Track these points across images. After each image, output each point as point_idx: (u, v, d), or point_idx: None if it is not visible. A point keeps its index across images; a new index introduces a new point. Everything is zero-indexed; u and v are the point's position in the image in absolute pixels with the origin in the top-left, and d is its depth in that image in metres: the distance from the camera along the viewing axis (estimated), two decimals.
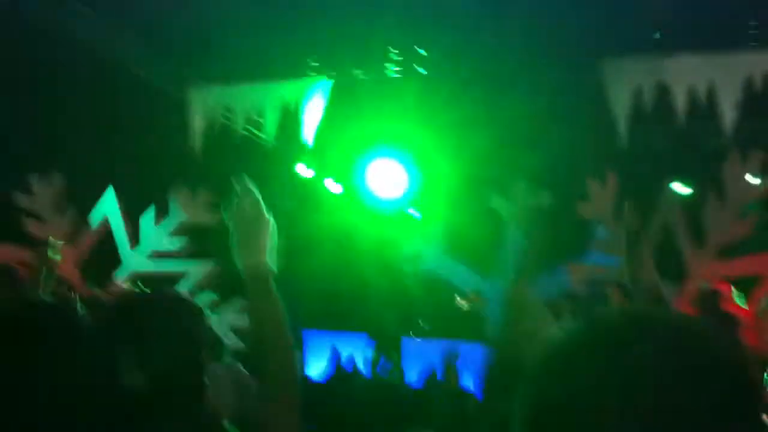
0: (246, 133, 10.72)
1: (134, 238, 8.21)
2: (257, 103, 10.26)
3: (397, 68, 10.02)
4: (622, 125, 8.51)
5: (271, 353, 2.01)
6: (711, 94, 8.14)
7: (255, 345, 2.08)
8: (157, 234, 8.00)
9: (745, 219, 6.09)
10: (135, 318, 2.08)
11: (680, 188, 10.46)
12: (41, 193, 8.30)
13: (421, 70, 9.86)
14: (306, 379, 8.57)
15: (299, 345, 9.75)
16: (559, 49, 8.61)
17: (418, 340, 9.31)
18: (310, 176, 13.52)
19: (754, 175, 7.13)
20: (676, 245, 6.05)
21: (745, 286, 5.44)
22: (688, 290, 5.19)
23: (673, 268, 5.64)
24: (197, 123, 10.29)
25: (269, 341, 2.02)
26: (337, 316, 10.84)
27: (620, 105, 8.51)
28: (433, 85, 9.89)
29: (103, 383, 1.98)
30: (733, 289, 5.17)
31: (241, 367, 5.23)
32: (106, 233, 8.22)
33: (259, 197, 2.18)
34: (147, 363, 1.97)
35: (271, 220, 2.19)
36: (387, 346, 8.31)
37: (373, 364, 8.10)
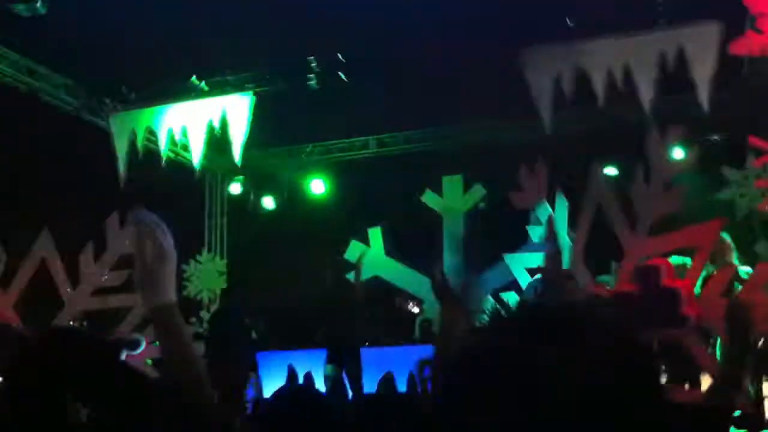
0: (171, 154, 10.56)
1: (74, 275, 8.00)
2: (180, 122, 10.10)
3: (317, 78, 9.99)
4: (545, 112, 8.65)
5: (183, 387, 1.98)
6: (627, 75, 8.35)
7: (166, 379, 2.05)
8: (97, 270, 7.79)
9: (672, 192, 6.26)
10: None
11: (608, 169, 10.72)
12: None
13: (342, 76, 9.86)
14: (262, 401, 8.47)
15: (254, 368, 9.62)
16: (480, 39, 8.71)
17: (373, 348, 9.29)
18: (240, 192, 13.40)
19: (677, 147, 7.36)
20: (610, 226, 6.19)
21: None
22: (626, 269, 5.31)
23: (611, 248, 5.77)
24: (120, 149, 10.09)
25: (179, 375, 2.00)
26: (290, 333, 10.73)
27: (542, 91, 8.65)
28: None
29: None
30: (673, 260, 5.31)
31: None
32: (41, 274, 7.97)
33: (163, 228, 2.08)
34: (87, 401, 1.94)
35: (172, 254, 2.10)
36: (343, 359, 8.25)
37: (332, 378, 8.04)
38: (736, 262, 6.30)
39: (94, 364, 2.07)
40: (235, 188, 13.19)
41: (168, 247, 2.03)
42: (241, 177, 12.96)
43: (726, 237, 6.37)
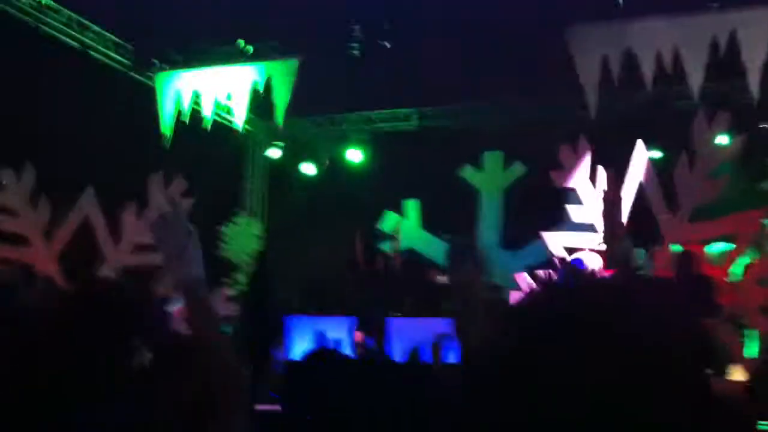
0: (216, 117, 10.65)
1: (116, 232, 8.16)
2: (225, 86, 10.17)
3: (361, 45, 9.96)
4: (591, 93, 8.55)
5: (210, 356, 2.06)
6: (677, 58, 8.21)
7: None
8: (138, 227, 7.94)
9: (715, 180, 6.17)
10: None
11: (652, 153, 10.59)
12: (11, 188, 8.20)
13: (385, 44, 9.82)
14: (291, 363, 8.59)
15: (281, 330, 9.73)
16: (524, 19, 8.62)
17: (402, 319, 9.34)
18: (280, 157, 13.48)
19: (722, 135, 7.23)
20: (650, 209, 6.14)
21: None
22: (663, 254, 5.28)
23: (648, 232, 5.73)
24: (165, 109, 10.20)
25: (207, 341, 2.08)
26: (319, 300, 10.83)
27: (588, 73, 8.55)
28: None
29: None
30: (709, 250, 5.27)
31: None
32: (85, 229, 8.15)
33: (180, 209, 2.18)
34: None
35: (194, 231, 2.18)
36: (371, 327, 8.34)
37: (357, 345, 8.15)
38: None
39: (154, 313, 2.17)
40: (275, 153, 13.24)
41: (188, 226, 2.12)
42: (281, 143, 13.03)
43: None
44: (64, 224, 8.19)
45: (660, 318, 0.94)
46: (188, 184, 8.42)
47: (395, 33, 9.76)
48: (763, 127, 10.89)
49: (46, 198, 8.25)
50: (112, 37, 10.41)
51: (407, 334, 8.17)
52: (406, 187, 12.14)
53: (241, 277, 11.11)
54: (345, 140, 13.18)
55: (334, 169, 13.32)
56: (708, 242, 5.34)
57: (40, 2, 9.34)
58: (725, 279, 5.06)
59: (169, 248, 2.13)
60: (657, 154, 10.26)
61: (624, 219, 5.68)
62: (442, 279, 10.51)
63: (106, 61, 10.42)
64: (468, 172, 11.78)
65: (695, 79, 8.03)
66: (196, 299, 2.11)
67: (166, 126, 10.09)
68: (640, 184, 5.79)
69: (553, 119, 10.73)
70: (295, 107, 10.18)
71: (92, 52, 10.18)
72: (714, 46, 8.04)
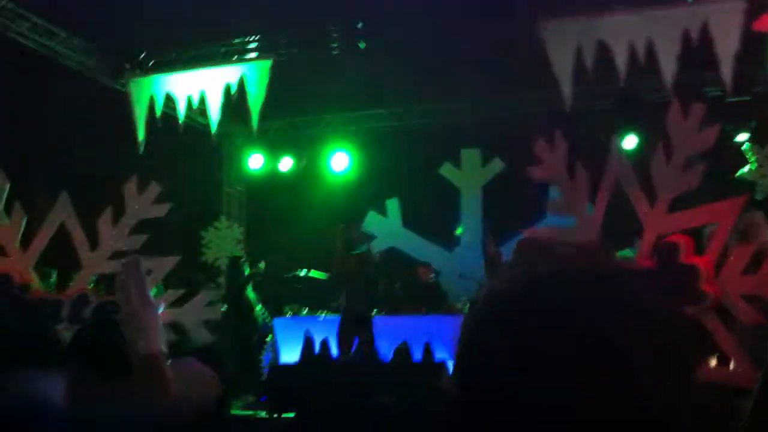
0: (191, 121, 10.56)
1: (92, 239, 8.06)
2: (198, 89, 10.08)
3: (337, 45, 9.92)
4: (565, 85, 8.58)
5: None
6: (650, 50, 8.26)
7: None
8: (116, 234, 7.84)
9: (692, 170, 6.21)
10: None
11: (628, 144, 10.65)
12: None
13: (360, 45, 9.79)
14: (278, 366, 8.57)
15: (271, 333, 9.69)
16: (499, 10, 8.63)
17: (388, 317, 9.33)
18: (260, 160, 13.42)
19: (698, 126, 7.28)
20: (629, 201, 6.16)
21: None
22: (646, 245, 5.30)
23: (629, 223, 5.74)
24: (139, 114, 10.09)
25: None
26: (306, 301, 10.79)
27: (563, 65, 8.58)
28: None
29: None
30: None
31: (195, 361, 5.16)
32: (60, 236, 8.03)
33: (143, 278, 2.11)
34: None
35: (155, 305, 2.13)
36: (358, 326, 8.32)
37: (346, 344, 8.12)
38: None
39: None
40: (256, 161, 13.23)
41: (151, 299, 2.06)
42: (258, 148, 12.98)
43: (761, 215, 6.28)
44: (40, 232, 8.07)
45: (638, 306, 0.91)
46: (164, 190, 8.33)
47: (369, 33, 9.73)
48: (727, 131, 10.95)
49: (20, 206, 8.12)
50: (82, 42, 10.28)
51: (394, 332, 8.16)
52: (386, 186, 12.13)
53: (222, 282, 11.05)
54: (324, 141, 13.15)
55: (313, 169, 13.28)
56: (688, 232, 5.36)
57: (6, 7, 9.20)
58: (711, 267, 5.08)
59: (127, 312, 2.07)
60: (633, 144, 10.35)
61: (600, 216, 5.72)
62: (431, 276, 10.51)
63: (76, 66, 10.30)
64: (447, 170, 11.80)
65: (668, 70, 8.09)
66: (153, 374, 2.03)
67: (141, 131, 9.99)
68: (618, 179, 5.80)
69: (529, 113, 10.76)
70: (271, 108, 10.12)
71: (62, 58, 10.06)
72: (686, 38, 8.11)
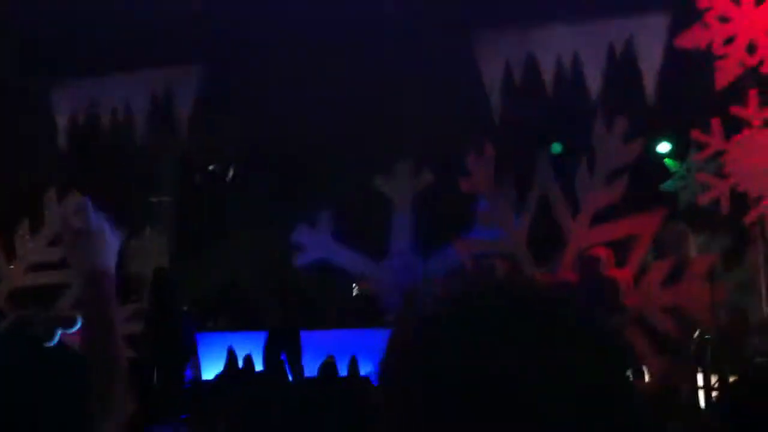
0: (115, 130, 10.29)
1: (9, 251, 7.78)
2: (123, 96, 9.84)
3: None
4: (495, 97, 8.66)
5: (101, 358, 1.95)
6: (577, 63, 8.40)
7: (86, 347, 1.99)
8: (33, 245, 7.58)
9: (615, 183, 6.30)
10: None
11: (553, 155, 10.79)
12: None
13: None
14: (201, 383, 8.39)
15: (194, 349, 9.49)
16: (432, 20, 8.65)
17: (316, 331, 9.23)
18: (192, 167, 13.21)
19: (622, 139, 7.41)
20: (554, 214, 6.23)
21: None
22: (568, 258, 5.34)
23: (554, 236, 5.79)
24: (62, 123, 9.80)
25: (98, 345, 1.96)
26: (233, 315, 10.62)
27: (492, 77, 8.65)
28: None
29: None
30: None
31: None
32: None
33: (88, 210, 2.07)
34: None
35: (106, 229, 2.08)
36: (284, 341, 8.21)
37: (271, 360, 8.00)
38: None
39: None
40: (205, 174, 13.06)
41: (98, 221, 2.02)
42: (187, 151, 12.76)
43: (684, 227, 6.41)
44: None
45: (571, 324, 0.91)
46: (87, 200, 8.10)
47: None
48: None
49: None
50: None
51: (320, 347, 8.08)
52: (316, 198, 12.03)
53: (147, 294, 10.79)
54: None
55: (245, 179, 13.11)
56: (609, 245, 5.43)
57: None
58: (631, 280, 5.14)
59: (70, 238, 2.08)
60: (557, 154, 10.49)
61: (526, 228, 5.75)
62: (364, 287, 10.45)
63: None
64: (378, 182, 11.75)
65: (594, 84, 8.22)
66: (98, 293, 1.95)
67: (63, 139, 9.71)
68: (543, 191, 5.87)
69: (460, 124, 10.81)
70: (201, 116, 9.95)
71: None
72: (612, 52, 8.26)
